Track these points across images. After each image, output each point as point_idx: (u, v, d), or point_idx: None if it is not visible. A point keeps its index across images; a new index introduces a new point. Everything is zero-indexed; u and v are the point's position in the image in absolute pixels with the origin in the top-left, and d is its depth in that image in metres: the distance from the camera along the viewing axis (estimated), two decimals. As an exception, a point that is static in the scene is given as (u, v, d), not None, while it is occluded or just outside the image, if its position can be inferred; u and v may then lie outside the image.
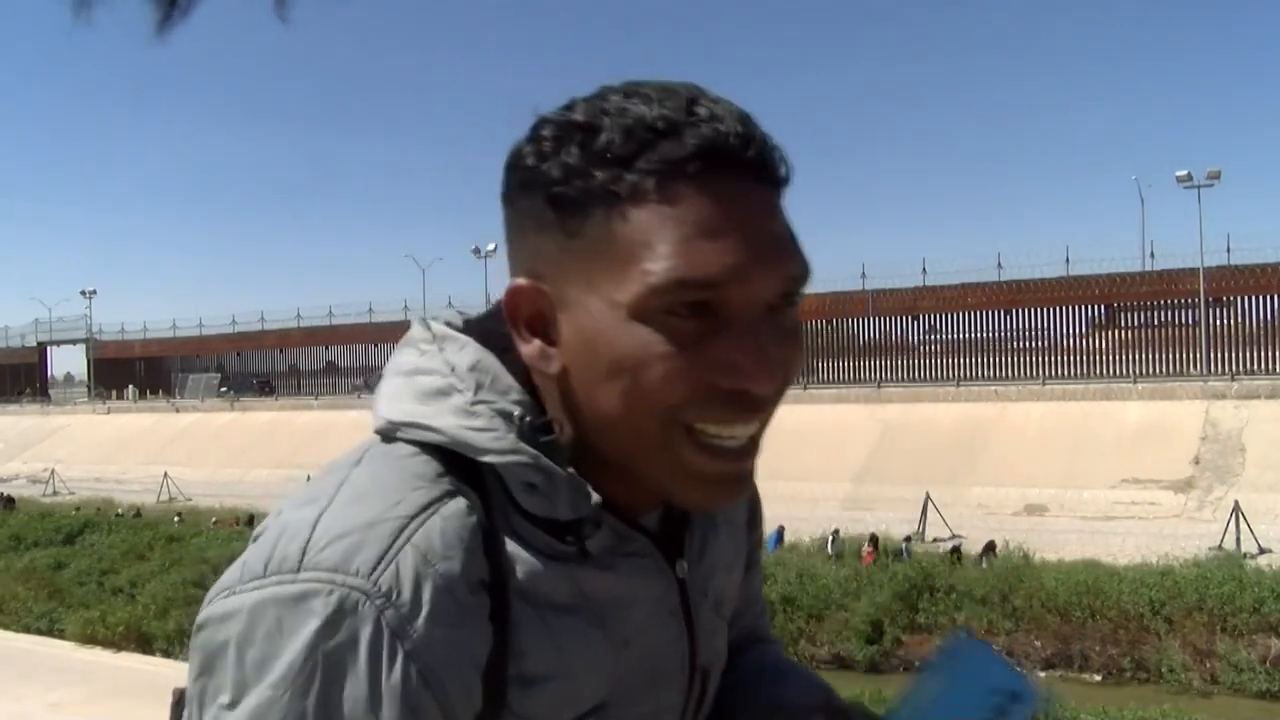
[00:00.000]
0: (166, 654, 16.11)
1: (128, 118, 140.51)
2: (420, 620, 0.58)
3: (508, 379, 0.67)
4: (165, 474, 32.65)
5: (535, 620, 0.64)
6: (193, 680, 0.60)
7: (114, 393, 52.11)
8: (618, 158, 0.61)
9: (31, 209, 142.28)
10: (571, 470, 0.66)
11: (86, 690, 12.69)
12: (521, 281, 0.66)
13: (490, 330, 0.71)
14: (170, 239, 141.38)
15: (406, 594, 0.58)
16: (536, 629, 0.64)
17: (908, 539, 19.53)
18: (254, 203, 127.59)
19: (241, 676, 0.57)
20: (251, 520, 24.33)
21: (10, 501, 31.35)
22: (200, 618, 0.61)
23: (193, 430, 40.60)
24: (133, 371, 55.00)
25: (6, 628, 18.35)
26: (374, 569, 0.58)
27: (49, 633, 16.49)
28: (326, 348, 50.51)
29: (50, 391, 59.63)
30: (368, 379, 45.26)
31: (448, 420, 0.65)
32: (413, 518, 0.60)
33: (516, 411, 0.66)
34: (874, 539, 19.25)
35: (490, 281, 44.83)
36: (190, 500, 31.21)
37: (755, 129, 0.63)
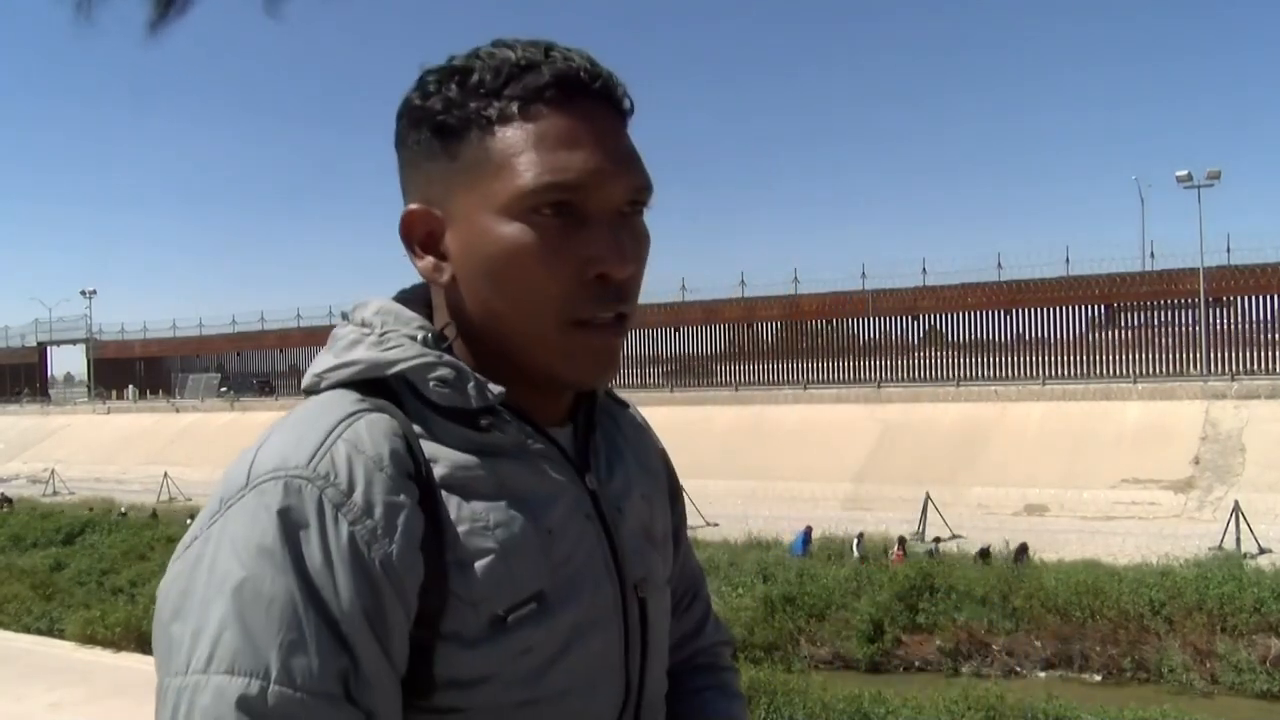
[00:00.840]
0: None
1: (127, 118, 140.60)
2: (357, 494, 0.65)
3: (409, 313, 0.78)
4: (165, 474, 32.66)
5: (463, 507, 0.71)
6: (163, 631, 0.65)
7: (114, 393, 52.09)
8: (489, 89, 0.72)
9: (32, 209, 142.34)
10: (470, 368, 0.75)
11: (86, 690, 12.69)
12: (414, 206, 0.76)
13: (403, 293, 0.83)
14: (170, 239, 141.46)
15: (343, 475, 0.65)
16: (464, 514, 0.70)
17: (937, 540, 19.27)
18: (254, 202, 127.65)
19: (217, 587, 0.62)
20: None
21: (7, 501, 31.33)
22: (160, 586, 0.67)
23: (193, 430, 40.61)
24: (133, 371, 54.99)
25: (6, 628, 18.35)
26: (310, 459, 0.66)
27: (49, 633, 16.48)
28: (326, 348, 50.46)
29: (50, 391, 59.62)
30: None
31: (361, 353, 0.75)
32: (339, 422, 0.69)
33: (420, 333, 0.75)
34: (902, 541, 19.11)
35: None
36: (190, 500, 31.20)
37: (601, 67, 0.75)
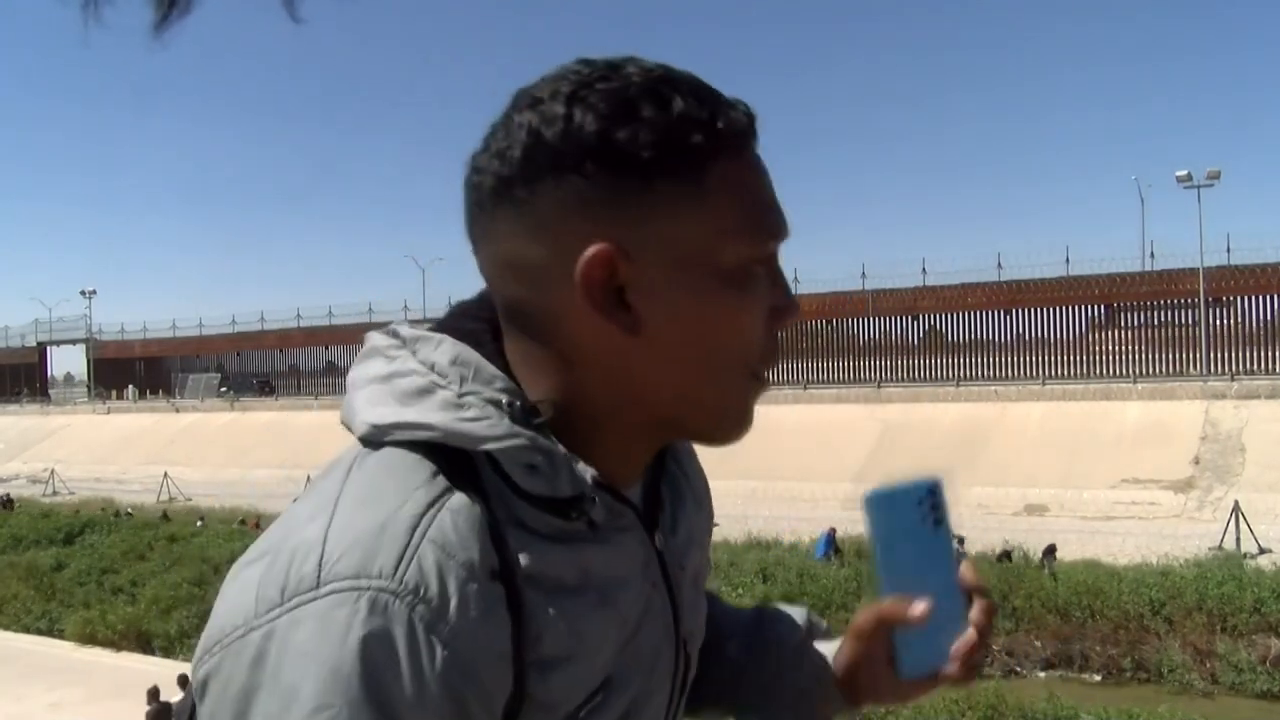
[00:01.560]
0: (167, 653, 16.11)
1: (128, 118, 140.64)
2: (451, 612, 0.58)
3: (491, 369, 0.67)
4: (165, 474, 32.65)
5: (546, 604, 0.64)
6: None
7: (114, 393, 52.12)
8: (698, 123, 0.64)
9: (32, 209, 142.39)
10: (564, 449, 0.66)
11: (86, 690, 12.70)
12: (600, 248, 0.64)
13: (461, 328, 0.71)
14: (170, 239, 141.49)
15: (434, 589, 0.58)
16: (548, 613, 0.64)
17: (960, 540, 19.26)
18: (254, 203, 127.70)
19: (284, 706, 0.55)
20: (244, 522, 24.36)
21: (9, 502, 31.34)
22: (209, 666, 0.59)
23: (193, 430, 40.62)
24: (133, 371, 55.02)
25: (6, 628, 18.35)
26: (396, 568, 0.58)
27: (49, 633, 16.48)
28: (326, 348, 50.53)
29: (50, 391, 59.65)
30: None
31: (437, 415, 0.64)
32: (423, 515, 0.60)
33: (505, 398, 0.65)
34: None
35: (490, 281, 44.62)
36: (190, 500, 31.21)
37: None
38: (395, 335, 0.70)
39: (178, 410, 44.90)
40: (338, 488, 0.63)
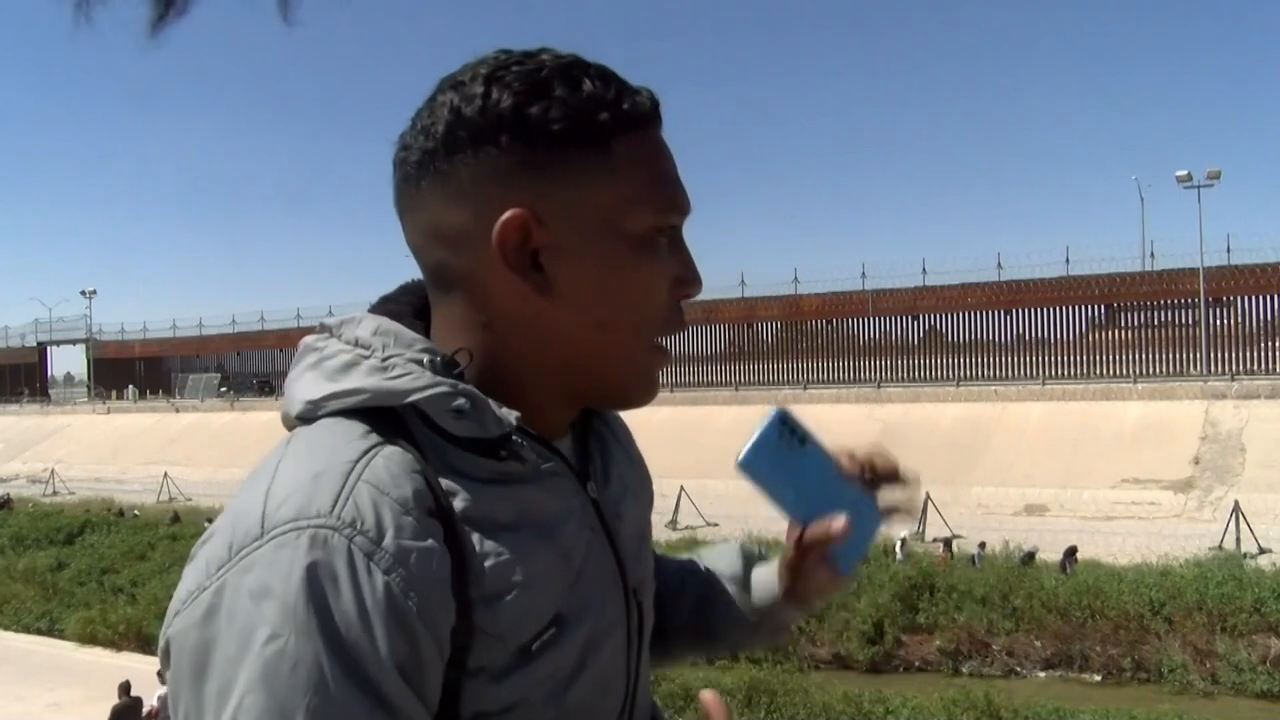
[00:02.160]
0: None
1: (128, 119, 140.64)
2: (387, 541, 0.61)
3: (410, 334, 0.72)
4: (165, 474, 32.64)
5: (485, 542, 0.68)
6: (187, 690, 0.60)
7: (114, 393, 52.09)
8: (604, 100, 0.71)
9: (32, 209, 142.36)
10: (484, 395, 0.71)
11: (86, 690, 12.69)
12: (514, 213, 0.70)
13: (381, 309, 0.77)
14: (170, 239, 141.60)
15: (370, 521, 0.61)
16: (488, 549, 0.68)
17: (981, 545, 18.73)
18: (254, 203, 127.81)
19: (241, 646, 0.58)
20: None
21: (6, 503, 31.31)
22: (169, 633, 0.62)
23: (193, 430, 40.60)
24: (133, 371, 54.99)
25: (6, 628, 18.36)
26: (333, 506, 0.61)
27: (49, 633, 16.47)
28: (326, 348, 50.49)
29: (50, 391, 59.62)
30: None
31: (365, 380, 0.69)
32: (356, 460, 0.64)
33: (426, 357, 0.70)
34: (948, 542, 18.84)
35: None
36: (190, 500, 31.19)
37: None
38: (323, 327, 0.76)
39: (178, 410, 44.88)
40: (277, 459, 0.67)
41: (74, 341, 58.52)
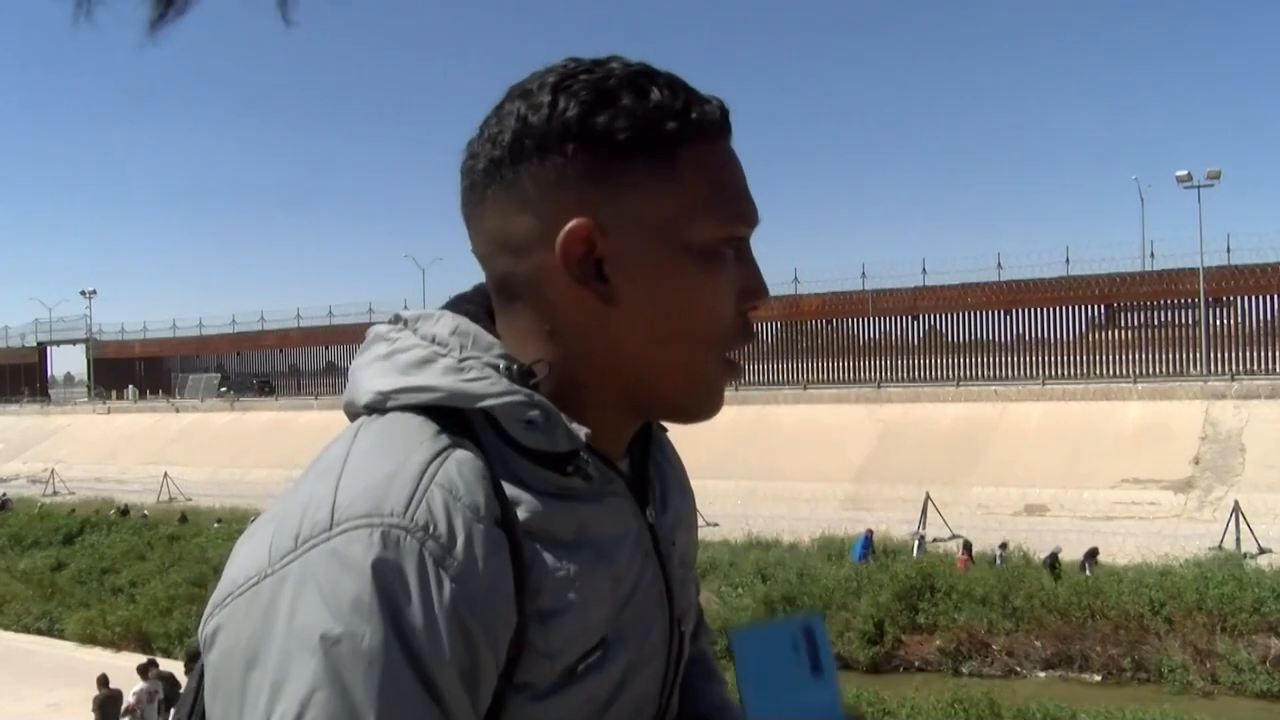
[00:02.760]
0: (166, 653, 16.08)
1: (128, 118, 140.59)
2: (458, 549, 0.61)
3: (488, 337, 0.71)
4: (165, 474, 32.65)
5: (544, 556, 0.67)
6: (235, 680, 0.59)
7: (114, 393, 52.10)
8: (671, 111, 0.70)
9: (32, 209, 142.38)
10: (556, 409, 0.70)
11: (86, 690, 12.67)
12: (580, 221, 0.69)
13: (457, 308, 0.76)
14: (170, 239, 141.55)
15: (442, 526, 0.61)
16: (547, 564, 0.67)
17: (1003, 546, 18.43)
18: (254, 203, 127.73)
19: (304, 640, 0.57)
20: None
21: (4, 504, 31.33)
22: (219, 618, 0.61)
23: (193, 430, 40.61)
24: (133, 371, 55.00)
25: (6, 628, 18.36)
26: (407, 508, 0.61)
27: (49, 633, 16.48)
28: (326, 348, 50.50)
29: (50, 391, 59.63)
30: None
31: (440, 379, 0.69)
32: (429, 462, 0.64)
33: (503, 363, 0.69)
34: (968, 545, 18.62)
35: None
36: (190, 500, 31.21)
37: None
38: (396, 319, 0.75)
39: (178, 410, 44.89)
40: (345, 450, 0.66)
41: (74, 341, 58.55)
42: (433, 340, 0.71)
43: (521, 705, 0.66)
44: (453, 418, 0.68)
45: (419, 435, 0.66)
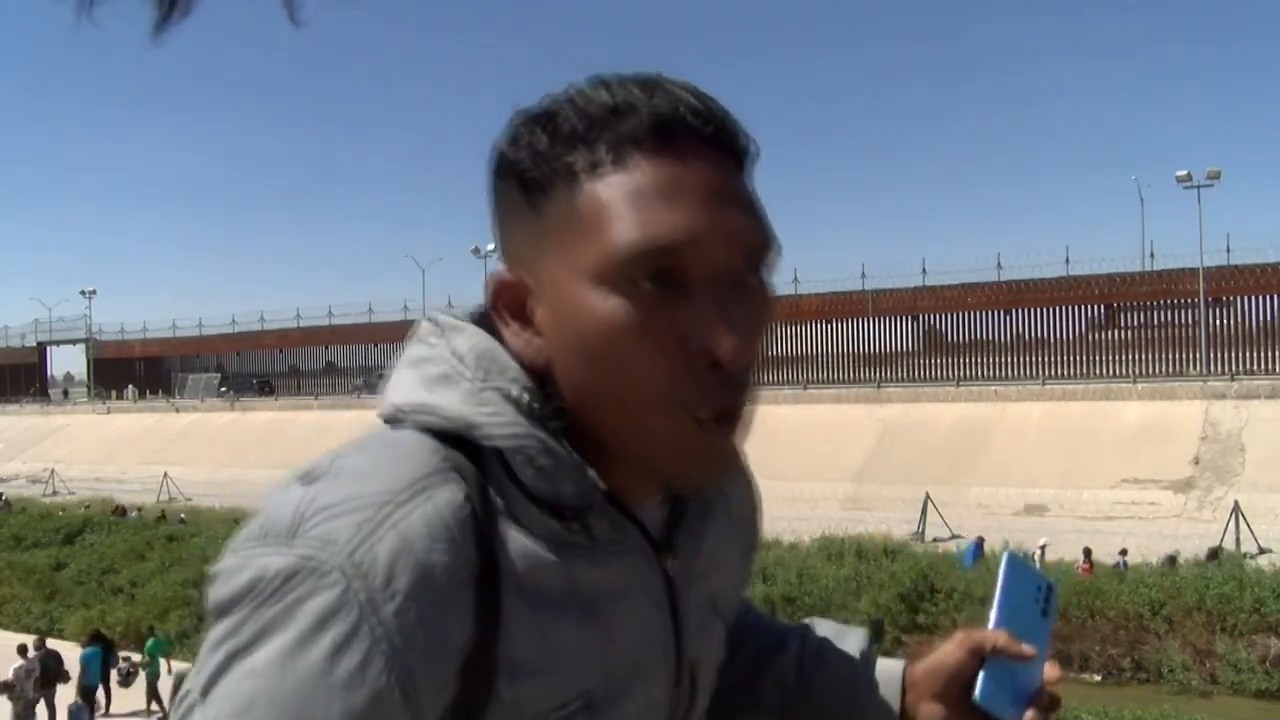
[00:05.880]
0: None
1: (127, 117, 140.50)
2: (392, 604, 0.57)
3: (510, 364, 0.67)
4: (165, 474, 32.66)
5: (524, 611, 0.63)
6: (211, 623, 0.60)
7: (114, 393, 52.12)
8: (578, 137, 0.63)
9: (32, 208, 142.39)
10: (575, 455, 0.65)
11: None
12: (502, 272, 0.68)
13: (490, 324, 0.72)
14: (170, 239, 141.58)
15: (380, 574, 0.57)
16: (525, 620, 0.63)
17: (1123, 553, 17.77)
18: (254, 203, 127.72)
19: (238, 640, 0.57)
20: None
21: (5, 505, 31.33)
22: (218, 566, 0.62)
23: (193, 430, 40.62)
24: (133, 371, 55.03)
25: (6, 628, 18.36)
26: (353, 546, 0.57)
27: (49, 633, 16.46)
28: (326, 348, 50.55)
29: (50, 391, 59.65)
30: (367, 379, 45.26)
31: (454, 403, 0.66)
32: (402, 501, 0.60)
33: (525, 397, 0.65)
34: (1088, 552, 17.77)
35: (490, 281, 44.76)
36: (190, 500, 31.21)
37: (713, 104, 0.65)
38: (437, 323, 0.72)
39: (178, 410, 44.90)
40: (340, 454, 0.65)
41: (74, 341, 58.59)
42: (459, 359, 0.68)
43: None
44: (463, 442, 0.64)
45: (411, 462, 0.62)
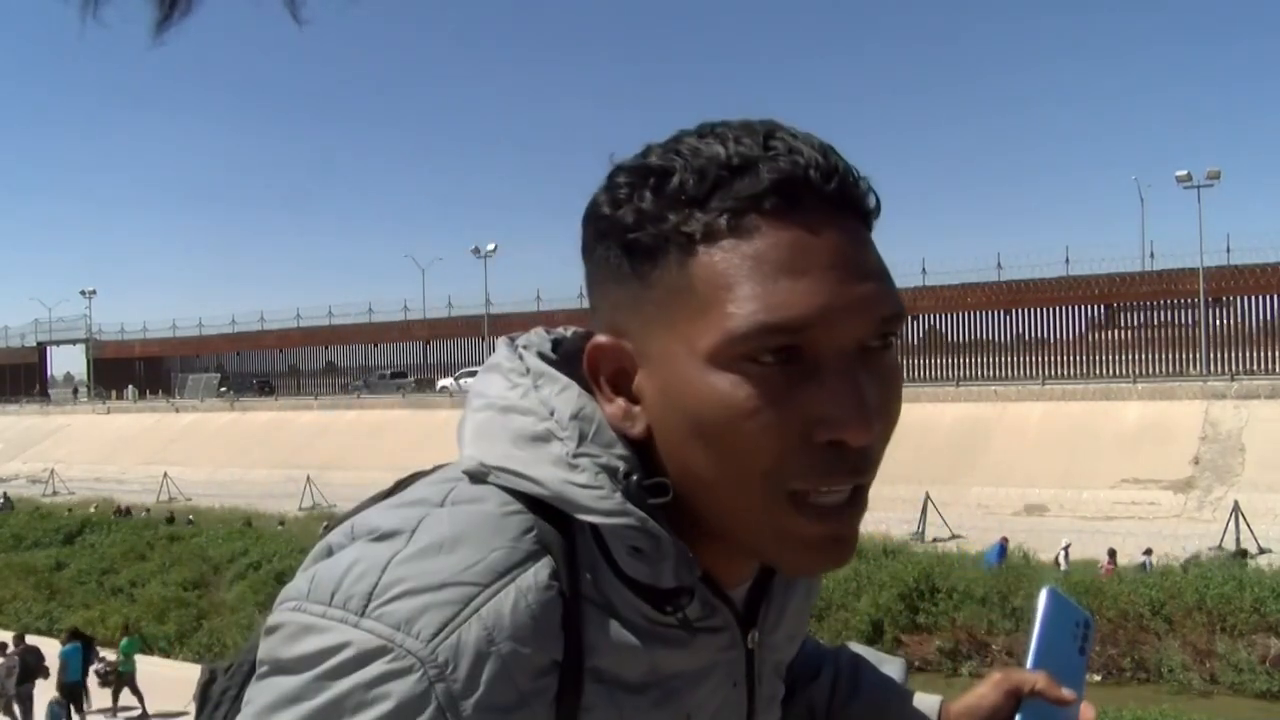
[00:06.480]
0: (166, 654, 16.11)
1: (128, 117, 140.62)
2: (472, 701, 0.54)
3: (611, 433, 0.62)
4: (165, 474, 32.65)
5: (602, 699, 0.60)
6: (264, 672, 0.58)
7: (114, 393, 52.12)
8: (691, 198, 0.58)
9: (32, 209, 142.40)
10: (674, 537, 0.61)
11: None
12: (601, 338, 0.62)
13: (578, 374, 0.66)
14: (170, 239, 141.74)
15: (463, 670, 0.54)
16: (603, 710, 0.60)
17: (1148, 552, 17.81)
18: (254, 203, 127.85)
19: (308, 707, 0.54)
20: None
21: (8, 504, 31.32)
22: (272, 620, 0.59)
23: (193, 430, 40.60)
24: (133, 371, 55.01)
25: (6, 628, 18.35)
26: (435, 636, 0.54)
27: (49, 633, 16.45)
28: (326, 348, 50.55)
29: (50, 392, 59.65)
30: (367, 379, 45.30)
31: (547, 471, 0.61)
32: (487, 585, 0.56)
33: (622, 468, 0.61)
34: (1112, 553, 17.78)
35: (490, 282, 44.60)
36: (190, 500, 31.20)
37: (837, 159, 0.60)
38: (520, 358, 0.66)
39: (178, 410, 44.88)
40: (424, 513, 0.60)
41: (74, 341, 58.59)
42: (551, 414, 0.62)
43: None
44: (555, 512, 0.60)
45: (499, 536, 0.58)
